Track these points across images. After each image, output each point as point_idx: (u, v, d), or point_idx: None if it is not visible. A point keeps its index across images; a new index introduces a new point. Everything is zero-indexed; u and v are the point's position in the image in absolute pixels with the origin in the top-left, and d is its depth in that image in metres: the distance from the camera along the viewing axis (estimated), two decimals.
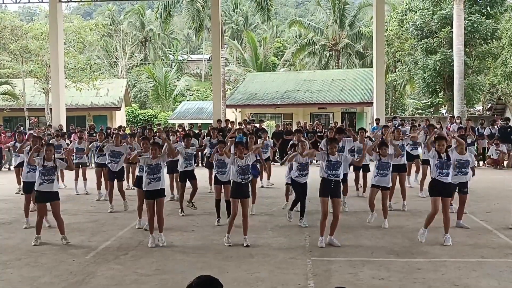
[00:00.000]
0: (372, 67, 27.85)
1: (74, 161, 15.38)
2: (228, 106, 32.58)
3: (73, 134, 22.24)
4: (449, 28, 28.18)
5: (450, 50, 27.92)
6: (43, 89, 31.25)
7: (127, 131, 25.25)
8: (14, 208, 12.64)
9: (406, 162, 12.29)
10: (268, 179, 15.45)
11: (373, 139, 17.74)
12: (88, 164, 15.92)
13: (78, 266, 7.75)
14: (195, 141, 12.92)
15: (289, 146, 12.11)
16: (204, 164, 19.73)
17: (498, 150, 19.22)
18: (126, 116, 40.96)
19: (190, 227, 10.28)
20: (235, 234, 9.42)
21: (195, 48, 72.06)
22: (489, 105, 40.00)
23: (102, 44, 43.70)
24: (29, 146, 10.54)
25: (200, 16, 37.96)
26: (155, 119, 40.43)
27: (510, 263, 7.63)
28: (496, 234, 9.36)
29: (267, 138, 16.00)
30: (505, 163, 19.97)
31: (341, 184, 9.11)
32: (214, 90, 27.26)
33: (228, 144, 10.21)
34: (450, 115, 25.83)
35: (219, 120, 22.72)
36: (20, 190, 14.48)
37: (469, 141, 15.57)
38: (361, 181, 13.51)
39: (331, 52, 45.54)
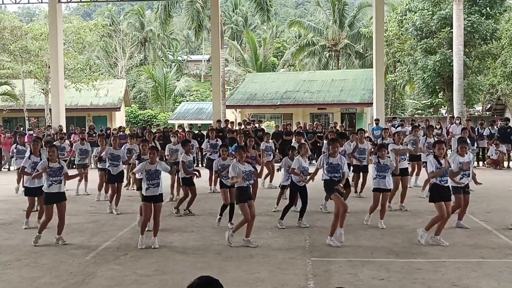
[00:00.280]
0: (372, 67, 27.86)
1: (76, 163, 15.45)
2: (228, 107, 32.58)
3: (73, 134, 22.26)
4: (449, 28, 28.20)
5: (450, 50, 27.94)
6: (43, 89, 31.25)
7: (127, 132, 25.28)
8: (14, 209, 12.64)
9: (408, 166, 12.29)
10: (271, 181, 15.40)
11: (372, 139, 17.81)
12: (88, 165, 15.90)
13: (78, 267, 7.75)
14: (194, 142, 12.97)
15: (288, 148, 12.06)
16: (204, 165, 19.73)
17: (498, 151, 19.23)
18: (125, 116, 40.97)
19: (190, 228, 10.28)
20: (235, 235, 9.42)
21: (195, 48, 72.08)
22: (489, 105, 40.03)
23: (102, 45, 43.71)
24: (29, 149, 10.56)
25: (200, 16, 37.97)
26: (154, 120, 40.45)
27: (510, 264, 7.63)
28: (496, 235, 9.36)
29: (269, 141, 15.93)
30: (505, 163, 20.03)
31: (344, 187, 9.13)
32: (213, 90, 27.26)
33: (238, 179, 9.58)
34: (449, 116, 25.86)
35: (218, 121, 22.73)
36: (17, 190, 14.49)
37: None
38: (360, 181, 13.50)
39: (330, 53, 45.56)
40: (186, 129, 23.32)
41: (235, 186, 8.92)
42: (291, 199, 10.36)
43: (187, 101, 46.35)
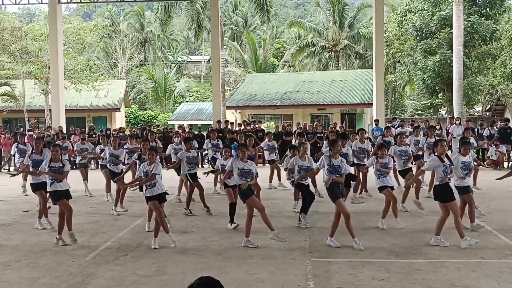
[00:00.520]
0: (372, 68, 27.88)
1: (77, 162, 15.46)
2: (228, 107, 32.60)
3: (73, 135, 22.26)
4: (449, 29, 28.21)
5: (450, 51, 27.95)
6: (43, 90, 31.25)
7: (127, 132, 25.29)
8: (13, 210, 12.64)
9: (411, 166, 12.28)
10: (279, 179, 15.32)
11: (372, 140, 17.81)
12: (88, 165, 15.89)
13: (78, 267, 7.75)
14: (194, 142, 13.00)
15: (288, 148, 12.07)
16: (202, 165, 19.74)
17: (498, 151, 19.22)
18: (125, 117, 40.97)
19: (190, 228, 10.28)
20: (235, 235, 9.43)
21: (195, 49, 72.05)
22: (489, 106, 40.03)
23: (102, 45, 43.71)
24: (31, 148, 10.59)
25: (200, 17, 38.00)
26: (154, 120, 40.44)
27: (510, 264, 7.63)
28: (496, 235, 9.35)
29: (272, 140, 15.92)
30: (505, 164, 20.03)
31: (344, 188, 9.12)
32: (213, 91, 27.28)
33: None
34: (449, 116, 25.86)
35: (218, 121, 22.74)
36: (24, 187, 14.52)
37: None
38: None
39: (330, 53, 45.58)
40: (186, 130, 23.36)
41: (236, 185, 8.94)
42: (304, 195, 10.29)
43: (187, 101, 46.34)
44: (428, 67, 29.25)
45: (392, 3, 40.38)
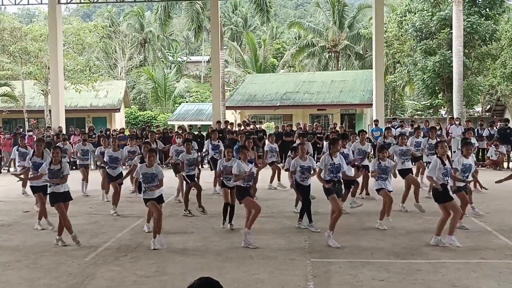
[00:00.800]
0: (372, 68, 27.88)
1: (78, 163, 15.46)
2: (228, 108, 32.59)
3: (73, 136, 22.25)
4: (448, 29, 28.21)
5: (449, 51, 27.94)
6: (42, 90, 31.24)
7: (127, 133, 25.29)
8: (13, 210, 12.64)
9: (411, 167, 12.27)
10: (279, 180, 15.31)
11: (372, 140, 17.81)
12: (89, 165, 15.90)
13: (78, 268, 7.74)
14: (194, 144, 12.97)
15: (290, 149, 12.06)
16: (203, 166, 19.69)
17: (498, 151, 19.22)
18: (125, 117, 40.96)
19: (189, 229, 10.28)
20: (235, 236, 9.43)
21: (195, 49, 72.04)
22: (489, 106, 40.06)
23: (102, 46, 43.67)
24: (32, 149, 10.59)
25: (200, 17, 37.98)
26: (154, 121, 40.42)
27: (510, 264, 7.63)
28: (495, 235, 9.35)
29: (273, 142, 15.85)
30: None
31: (344, 189, 9.13)
32: (213, 91, 27.28)
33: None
34: (449, 116, 25.86)
35: (218, 122, 22.73)
36: (23, 188, 14.55)
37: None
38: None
39: (330, 54, 45.58)
40: (187, 130, 23.31)
41: (235, 185, 8.96)
42: (304, 198, 10.30)
43: (187, 102, 46.33)
44: (428, 68, 29.25)
45: (392, 3, 40.39)
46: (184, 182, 11.94)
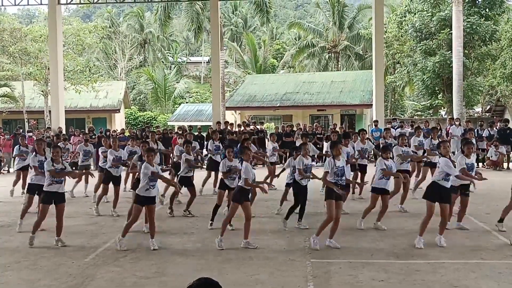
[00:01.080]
0: (371, 69, 27.88)
1: (79, 164, 15.44)
2: (228, 108, 32.60)
3: (73, 136, 22.25)
4: (448, 29, 28.22)
5: (449, 51, 27.95)
6: (42, 91, 31.25)
7: (127, 134, 25.29)
8: (13, 211, 12.62)
9: (409, 168, 12.27)
10: (271, 181, 15.28)
11: (372, 140, 17.79)
12: (89, 166, 15.87)
13: (78, 269, 7.74)
14: (195, 144, 13.00)
15: (292, 149, 12.05)
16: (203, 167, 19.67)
17: (498, 152, 19.23)
18: (125, 118, 40.96)
19: (189, 230, 10.28)
20: (235, 236, 9.42)
21: (195, 50, 72.05)
22: (488, 106, 40.06)
23: (101, 46, 43.70)
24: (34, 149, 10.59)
25: (199, 18, 37.98)
26: (154, 121, 40.42)
27: (509, 265, 7.63)
28: (495, 236, 9.35)
29: (274, 140, 15.82)
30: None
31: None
32: (213, 92, 27.28)
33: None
34: (449, 117, 25.86)
35: (218, 122, 22.73)
36: (12, 193, 14.55)
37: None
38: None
39: (330, 54, 45.58)
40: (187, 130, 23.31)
41: (238, 187, 8.95)
42: (295, 199, 10.32)
43: (186, 102, 46.34)
44: (428, 68, 29.25)
45: (391, 4, 40.39)
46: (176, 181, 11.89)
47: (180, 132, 22.27)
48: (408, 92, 43.28)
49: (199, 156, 14.22)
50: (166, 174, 10.41)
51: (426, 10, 30.78)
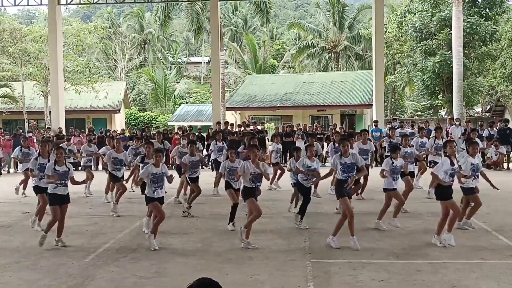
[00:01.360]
0: (371, 69, 27.89)
1: (82, 164, 15.45)
2: (228, 109, 32.61)
3: (73, 136, 22.23)
4: (448, 30, 28.23)
5: (449, 52, 27.96)
6: (42, 91, 31.26)
7: (127, 134, 25.28)
8: (13, 211, 12.63)
9: (413, 170, 12.25)
10: (271, 183, 15.27)
11: (372, 141, 17.77)
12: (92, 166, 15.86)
13: (77, 269, 7.73)
14: (199, 145, 12.99)
15: (293, 149, 12.03)
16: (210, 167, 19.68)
17: (498, 152, 19.23)
18: (125, 118, 40.97)
19: (189, 230, 10.27)
20: (235, 237, 9.42)
21: (195, 50, 72.05)
22: (488, 106, 40.07)
23: (101, 47, 43.73)
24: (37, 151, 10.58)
25: (199, 18, 37.99)
26: (154, 122, 40.43)
27: (510, 265, 7.62)
28: (495, 236, 9.34)
29: (279, 142, 15.76)
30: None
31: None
32: (213, 92, 27.30)
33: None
34: (449, 117, 25.86)
35: (218, 123, 22.73)
36: (18, 191, 14.54)
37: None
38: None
39: (330, 54, 45.59)
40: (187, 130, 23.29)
41: (243, 186, 8.95)
42: (303, 195, 10.26)
43: (186, 103, 46.35)
44: (428, 68, 29.26)
45: (391, 4, 40.39)
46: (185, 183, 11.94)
47: (180, 132, 22.29)
48: (408, 92, 43.29)
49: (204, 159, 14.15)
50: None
51: (426, 10, 30.79)
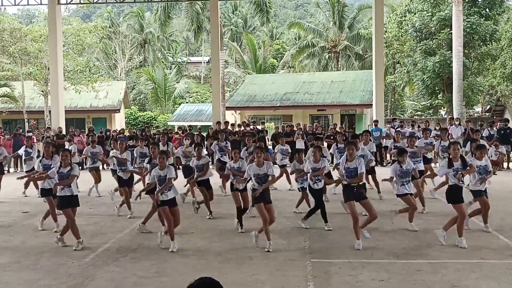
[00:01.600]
0: (371, 68, 27.88)
1: (88, 166, 15.39)
2: (228, 108, 32.60)
3: (74, 136, 22.23)
4: (448, 29, 28.22)
5: (449, 51, 27.95)
6: (42, 91, 31.25)
7: (126, 134, 25.27)
8: (13, 211, 12.63)
9: (423, 168, 12.22)
10: (290, 183, 14.99)
11: (372, 141, 17.74)
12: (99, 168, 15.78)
13: (78, 269, 7.73)
14: (204, 152, 12.96)
15: (295, 151, 11.97)
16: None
17: (498, 151, 19.20)
18: (125, 118, 40.96)
19: (189, 230, 10.27)
20: (235, 237, 9.43)
21: (195, 50, 72.03)
22: (488, 106, 40.07)
23: (101, 47, 43.71)
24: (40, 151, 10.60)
25: (199, 18, 37.99)
26: (154, 121, 40.42)
27: (510, 265, 7.62)
28: (495, 236, 9.34)
29: (284, 144, 15.62)
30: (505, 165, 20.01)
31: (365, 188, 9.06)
32: (213, 92, 27.28)
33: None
34: (449, 117, 25.85)
35: (218, 122, 22.71)
36: (24, 193, 14.57)
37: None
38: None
39: (330, 54, 45.58)
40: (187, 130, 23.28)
41: (251, 188, 8.92)
42: (315, 200, 10.20)
43: (186, 102, 46.33)
44: (428, 68, 29.26)
45: (391, 3, 40.38)
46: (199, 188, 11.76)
47: (180, 132, 22.28)
48: (408, 92, 43.30)
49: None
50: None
51: (426, 10, 30.79)
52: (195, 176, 11.41)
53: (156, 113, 44.60)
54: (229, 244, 9.03)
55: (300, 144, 19.52)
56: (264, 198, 8.68)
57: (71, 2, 28.98)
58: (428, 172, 13.80)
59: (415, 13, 31.76)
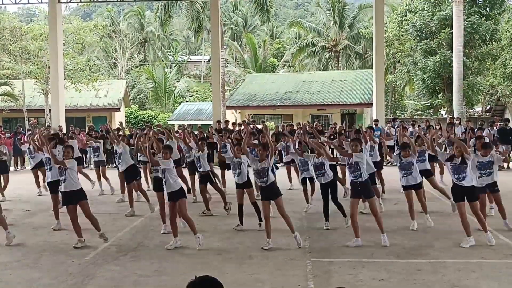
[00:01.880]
0: (372, 68, 27.86)
1: (94, 160, 15.40)
2: (228, 107, 32.56)
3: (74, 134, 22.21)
4: (449, 29, 28.22)
5: (450, 51, 27.95)
6: (43, 90, 31.23)
7: (127, 132, 25.25)
8: (13, 210, 12.63)
9: (429, 167, 12.20)
10: (290, 182, 15.10)
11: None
12: (105, 162, 15.73)
13: (78, 267, 7.74)
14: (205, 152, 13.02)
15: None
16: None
17: (498, 151, 19.17)
18: (125, 117, 40.93)
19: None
20: (235, 236, 9.43)
21: (195, 49, 71.97)
22: (489, 106, 40.05)
23: (102, 45, 43.63)
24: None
25: (200, 17, 37.95)
26: (154, 120, 40.40)
27: (510, 264, 7.62)
28: (496, 235, 9.33)
29: (290, 141, 15.66)
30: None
31: (370, 185, 9.05)
32: (213, 91, 27.25)
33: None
34: (449, 116, 25.84)
35: (218, 121, 22.70)
36: (40, 193, 14.57)
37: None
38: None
39: (330, 53, 45.54)
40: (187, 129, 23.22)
41: (247, 185, 9.02)
42: (324, 198, 10.19)
43: (187, 101, 46.29)
44: (428, 67, 29.25)
45: (392, 3, 40.35)
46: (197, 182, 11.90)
47: (180, 131, 22.23)
48: (409, 91, 43.28)
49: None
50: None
51: (426, 10, 30.77)
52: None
53: (156, 112, 44.58)
54: (229, 243, 9.04)
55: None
56: (268, 194, 8.72)
57: (72, 1, 28.96)
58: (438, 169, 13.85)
59: (415, 13, 31.74)
